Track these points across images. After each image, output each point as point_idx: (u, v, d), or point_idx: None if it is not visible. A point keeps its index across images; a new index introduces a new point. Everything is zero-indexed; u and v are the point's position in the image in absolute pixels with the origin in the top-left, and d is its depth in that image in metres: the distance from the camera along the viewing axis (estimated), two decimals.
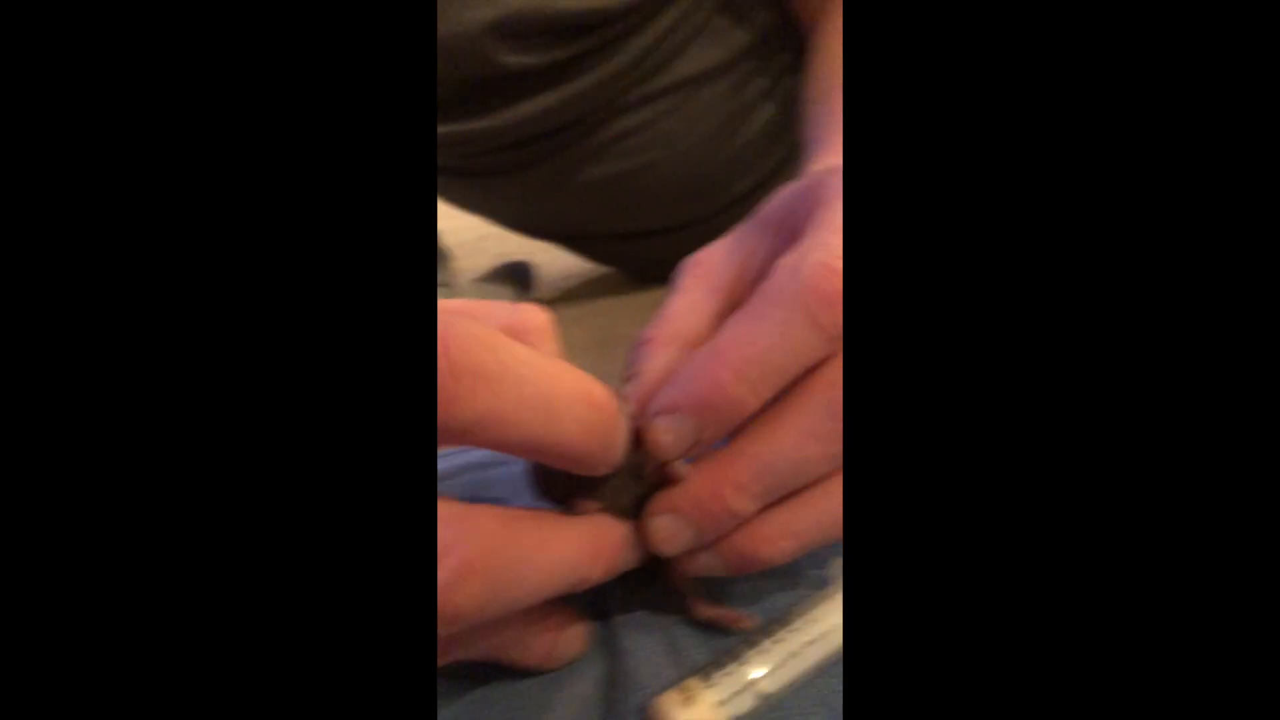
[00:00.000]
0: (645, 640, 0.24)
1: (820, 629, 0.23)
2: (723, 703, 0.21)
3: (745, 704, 0.22)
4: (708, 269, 0.26)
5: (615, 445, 0.21)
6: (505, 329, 0.22)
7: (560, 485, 0.23)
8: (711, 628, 0.24)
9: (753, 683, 0.22)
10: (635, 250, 0.78)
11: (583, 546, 0.21)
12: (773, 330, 0.20)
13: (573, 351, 0.61)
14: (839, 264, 0.20)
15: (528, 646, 0.23)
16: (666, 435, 0.21)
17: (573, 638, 0.24)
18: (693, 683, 0.22)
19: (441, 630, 0.18)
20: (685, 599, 0.24)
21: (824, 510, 0.22)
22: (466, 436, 0.17)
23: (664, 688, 0.22)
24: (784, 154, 0.69)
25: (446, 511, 0.18)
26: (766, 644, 0.22)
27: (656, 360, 0.24)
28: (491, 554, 0.18)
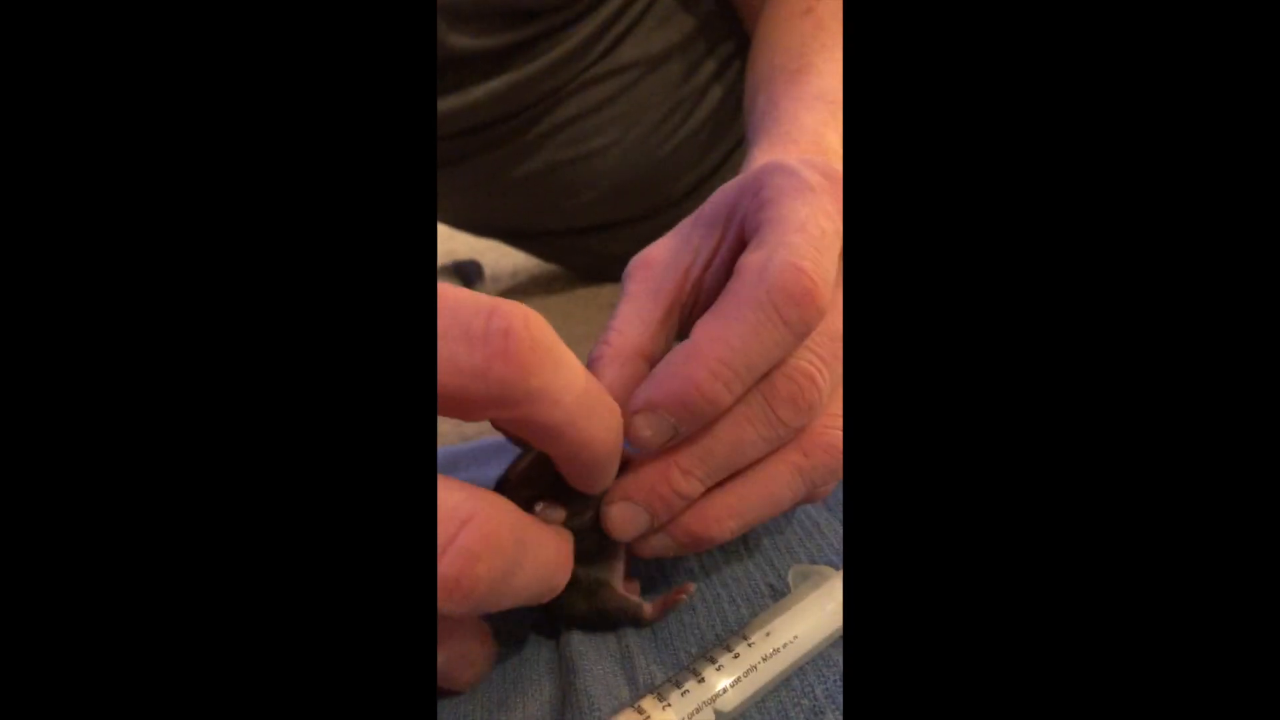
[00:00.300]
0: (598, 659, 0.23)
1: (778, 641, 0.22)
2: None
3: None
4: (651, 271, 0.27)
5: (616, 462, 0.22)
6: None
7: (524, 496, 0.22)
8: (663, 634, 0.24)
9: (710, 700, 0.21)
10: (583, 246, 0.76)
11: (560, 554, 0.22)
12: (745, 331, 0.21)
13: None
14: (805, 263, 0.21)
15: (470, 663, 0.23)
16: (646, 430, 0.22)
17: (490, 660, 0.24)
18: (648, 703, 0.21)
19: (454, 607, 0.18)
20: (629, 610, 0.24)
21: (763, 492, 0.24)
22: (521, 405, 0.18)
23: (618, 709, 0.21)
24: (730, 146, 0.68)
25: (464, 492, 0.19)
26: (724, 660, 0.22)
27: (609, 375, 0.24)
28: (511, 530, 0.19)
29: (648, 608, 0.25)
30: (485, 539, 0.18)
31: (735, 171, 0.68)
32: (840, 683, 0.22)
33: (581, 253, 0.78)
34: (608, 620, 0.24)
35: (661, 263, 0.27)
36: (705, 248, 0.26)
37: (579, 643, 0.24)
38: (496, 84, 0.58)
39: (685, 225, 0.28)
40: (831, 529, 0.28)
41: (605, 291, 0.74)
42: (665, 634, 0.24)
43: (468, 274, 0.91)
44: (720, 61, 0.64)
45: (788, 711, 0.21)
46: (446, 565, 0.17)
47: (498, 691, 0.23)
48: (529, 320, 0.18)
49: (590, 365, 0.25)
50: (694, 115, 0.65)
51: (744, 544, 0.28)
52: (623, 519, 0.23)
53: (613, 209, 0.71)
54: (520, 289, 0.85)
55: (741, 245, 0.24)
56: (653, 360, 0.25)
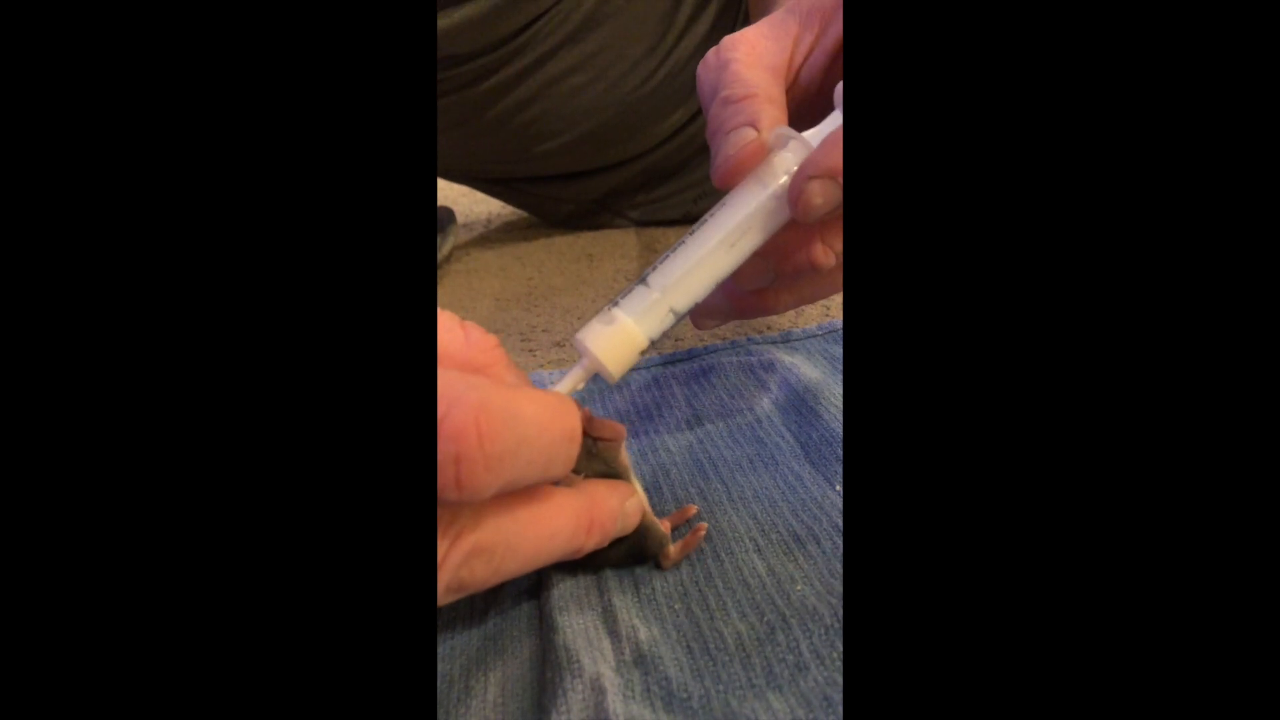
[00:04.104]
0: (579, 613, 0.23)
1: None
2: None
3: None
4: (755, 48, 0.28)
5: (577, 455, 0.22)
6: (463, 365, 0.22)
7: None
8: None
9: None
10: (559, 193, 0.75)
11: (578, 518, 0.22)
12: None
13: (501, 304, 0.58)
14: None
15: None
16: (817, 198, 0.24)
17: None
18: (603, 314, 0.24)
19: (449, 598, 0.20)
20: (661, 538, 0.25)
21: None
22: (497, 493, 0.19)
23: (599, 663, 0.21)
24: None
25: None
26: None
27: (767, 115, 0.25)
28: (493, 534, 0.20)
29: (670, 550, 0.25)
30: (470, 553, 0.19)
31: None
32: (826, 638, 0.21)
33: (558, 200, 0.76)
34: (642, 549, 0.25)
35: (762, 46, 0.28)
36: (805, 39, 0.28)
37: (559, 598, 0.24)
38: (475, 7, 0.57)
39: (774, 16, 0.29)
40: (829, 501, 0.27)
41: (582, 240, 0.73)
42: (648, 589, 0.24)
43: (440, 222, 0.89)
44: None
45: (772, 667, 0.21)
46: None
47: (477, 651, 0.23)
48: (482, 436, 0.17)
49: (736, 108, 0.26)
50: (675, 52, 0.63)
51: (728, 497, 0.28)
52: (824, 195, 0.24)
53: (590, 154, 0.69)
54: (494, 236, 0.83)
55: (839, 45, 0.26)
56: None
